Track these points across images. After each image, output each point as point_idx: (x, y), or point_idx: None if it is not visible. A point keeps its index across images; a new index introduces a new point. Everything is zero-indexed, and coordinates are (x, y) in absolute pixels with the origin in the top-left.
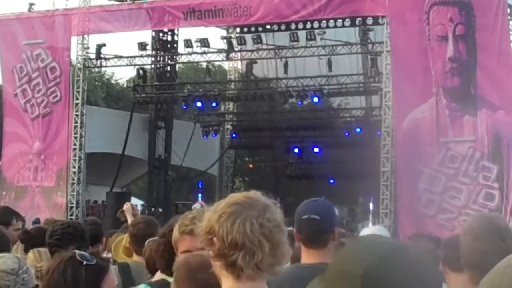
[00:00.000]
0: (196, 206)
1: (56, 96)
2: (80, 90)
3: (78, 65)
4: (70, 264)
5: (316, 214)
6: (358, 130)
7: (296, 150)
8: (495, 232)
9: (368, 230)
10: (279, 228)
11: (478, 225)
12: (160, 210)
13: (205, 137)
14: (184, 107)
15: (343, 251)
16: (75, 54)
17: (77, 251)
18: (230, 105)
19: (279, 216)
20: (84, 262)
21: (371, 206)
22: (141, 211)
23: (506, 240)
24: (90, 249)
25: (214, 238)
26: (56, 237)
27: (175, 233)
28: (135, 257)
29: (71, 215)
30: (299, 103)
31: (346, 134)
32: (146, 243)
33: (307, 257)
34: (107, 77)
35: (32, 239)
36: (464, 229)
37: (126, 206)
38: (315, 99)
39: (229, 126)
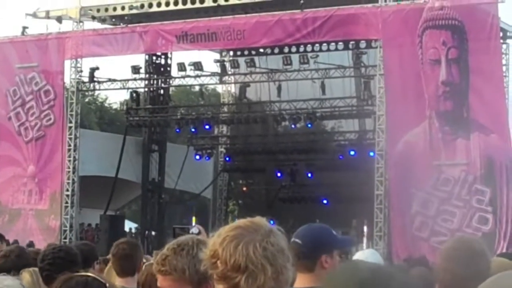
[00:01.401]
0: (194, 230)
1: (50, 119)
2: (73, 113)
3: (72, 88)
4: (96, 285)
5: (299, 238)
6: (351, 153)
7: (289, 173)
8: (469, 255)
9: (360, 254)
10: (282, 253)
11: (453, 247)
12: (154, 233)
13: (198, 160)
14: (178, 130)
15: (332, 277)
16: (68, 77)
17: (95, 275)
18: (224, 128)
19: (283, 241)
20: (107, 284)
21: (365, 229)
22: (135, 234)
23: (479, 264)
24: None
25: (218, 262)
26: (47, 262)
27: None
28: (117, 280)
29: (65, 238)
30: (293, 126)
31: (340, 157)
32: (144, 266)
33: (299, 281)
34: (100, 100)
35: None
36: (441, 250)
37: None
38: (308, 124)
39: (222, 149)
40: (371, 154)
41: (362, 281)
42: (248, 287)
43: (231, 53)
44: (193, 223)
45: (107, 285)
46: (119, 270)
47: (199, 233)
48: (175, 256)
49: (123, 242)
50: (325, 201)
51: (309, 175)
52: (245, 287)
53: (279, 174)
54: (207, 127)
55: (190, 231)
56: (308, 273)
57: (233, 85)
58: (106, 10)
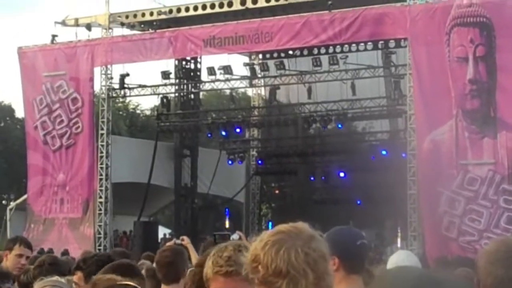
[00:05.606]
0: (235, 236)
1: (79, 127)
2: (105, 120)
3: (102, 95)
4: None
5: (365, 239)
6: (383, 153)
7: (322, 175)
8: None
9: (396, 256)
10: (324, 258)
11: (495, 249)
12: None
13: (230, 164)
14: (209, 135)
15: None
16: (98, 84)
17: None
18: (255, 132)
19: (325, 247)
20: None
21: (399, 229)
22: (168, 239)
23: None
24: None
25: (259, 266)
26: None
27: (208, 271)
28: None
29: (99, 245)
30: (324, 127)
31: (372, 157)
32: (188, 271)
33: (350, 283)
34: (132, 107)
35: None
36: (482, 252)
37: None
38: (339, 125)
39: (254, 153)
40: (403, 154)
41: None
42: None
43: (260, 56)
44: (227, 225)
45: None
46: (163, 277)
47: (239, 239)
48: (239, 254)
49: (166, 250)
50: (358, 202)
51: (342, 176)
52: None
53: (311, 176)
54: (238, 130)
55: (231, 238)
56: (358, 275)
57: (263, 88)
58: (135, 16)
